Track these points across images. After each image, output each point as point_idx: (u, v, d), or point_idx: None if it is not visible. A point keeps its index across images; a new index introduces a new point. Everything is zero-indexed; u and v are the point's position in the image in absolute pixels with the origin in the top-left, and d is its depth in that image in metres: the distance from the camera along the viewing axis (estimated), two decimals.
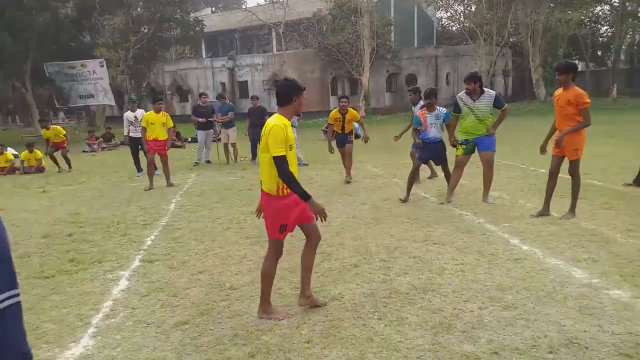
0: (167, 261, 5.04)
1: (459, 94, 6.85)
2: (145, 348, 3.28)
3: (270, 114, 4.11)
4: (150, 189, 9.27)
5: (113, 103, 26.25)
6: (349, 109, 9.00)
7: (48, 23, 23.59)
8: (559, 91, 5.75)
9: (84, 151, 17.89)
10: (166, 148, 9.44)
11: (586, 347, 3.00)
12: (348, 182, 9.04)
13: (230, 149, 12.37)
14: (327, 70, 32.42)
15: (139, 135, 11.21)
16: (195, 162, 12.48)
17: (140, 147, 11.20)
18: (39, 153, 13.03)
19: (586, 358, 2.89)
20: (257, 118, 11.97)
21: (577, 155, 5.71)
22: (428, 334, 3.27)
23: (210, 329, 3.49)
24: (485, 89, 6.43)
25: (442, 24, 42.68)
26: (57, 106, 27.69)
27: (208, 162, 12.65)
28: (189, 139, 18.61)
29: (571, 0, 31.10)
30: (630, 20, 39.63)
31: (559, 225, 5.63)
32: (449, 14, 36.78)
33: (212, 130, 12.43)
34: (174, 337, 3.40)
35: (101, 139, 18.97)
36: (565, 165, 5.83)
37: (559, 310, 3.51)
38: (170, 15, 25.96)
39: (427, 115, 7.12)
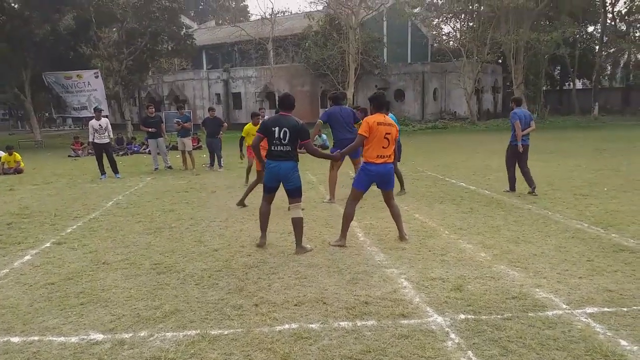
0: (71, 244, 6.14)
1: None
2: (21, 302, 4.35)
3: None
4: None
5: (107, 113, 27.66)
6: None
7: (47, 34, 25.16)
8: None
9: (69, 156, 19.20)
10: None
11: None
12: None
13: (187, 156, 13.47)
14: (317, 84, 33.76)
15: (102, 141, 12.41)
16: (155, 168, 13.62)
17: (103, 151, 12.40)
18: (17, 156, 14.28)
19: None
20: (214, 128, 13.14)
21: None
22: None
23: (72, 292, 4.57)
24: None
25: (438, 41, 43.84)
26: (55, 115, 29.23)
27: (169, 167, 13.76)
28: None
29: (553, 20, 32.07)
30: (622, 41, 40.38)
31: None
32: (434, 32, 37.97)
33: (161, 138, 13.55)
34: (39, 293, 4.48)
35: (86, 145, 20.13)
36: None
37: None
38: (162, 29, 27.48)
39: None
